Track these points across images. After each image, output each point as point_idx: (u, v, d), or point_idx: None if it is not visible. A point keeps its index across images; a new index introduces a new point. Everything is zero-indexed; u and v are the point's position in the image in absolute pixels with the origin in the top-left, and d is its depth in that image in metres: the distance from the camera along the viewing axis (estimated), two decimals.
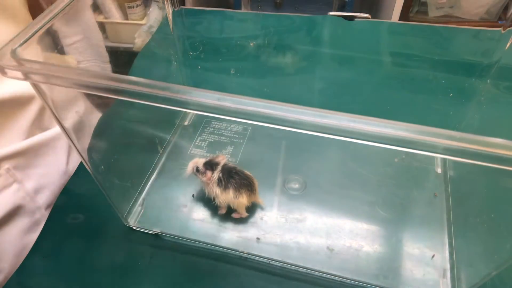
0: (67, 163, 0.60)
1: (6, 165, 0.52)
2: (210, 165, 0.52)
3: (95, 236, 0.53)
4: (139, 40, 0.73)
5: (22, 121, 0.54)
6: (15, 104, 0.52)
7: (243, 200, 0.51)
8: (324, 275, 0.48)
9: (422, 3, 1.44)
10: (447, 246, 0.49)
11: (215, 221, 0.54)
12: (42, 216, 0.55)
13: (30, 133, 0.55)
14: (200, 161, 0.52)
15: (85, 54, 0.65)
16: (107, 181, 0.48)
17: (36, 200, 0.55)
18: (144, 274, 0.49)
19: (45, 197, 0.56)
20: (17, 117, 0.54)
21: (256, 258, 0.50)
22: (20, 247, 0.53)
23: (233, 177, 0.51)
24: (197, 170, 0.52)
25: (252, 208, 0.54)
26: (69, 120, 0.41)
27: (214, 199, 0.52)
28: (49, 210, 0.56)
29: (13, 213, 0.52)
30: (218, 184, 0.51)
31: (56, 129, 0.58)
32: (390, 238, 0.51)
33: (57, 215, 0.55)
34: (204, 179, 0.51)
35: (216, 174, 0.51)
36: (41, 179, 0.56)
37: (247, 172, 0.52)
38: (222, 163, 0.52)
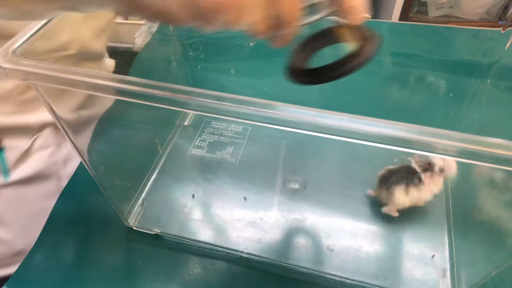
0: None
1: (49, 129, 0.55)
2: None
3: (95, 236, 0.53)
4: (139, 40, 0.73)
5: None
6: None
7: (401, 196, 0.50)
8: (324, 275, 0.48)
9: (422, 3, 1.44)
10: (447, 246, 0.49)
11: (215, 221, 0.54)
12: (63, 185, 0.58)
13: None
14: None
15: None
16: (107, 181, 0.48)
17: (64, 169, 0.58)
18: (144, 274, 0.49)
19: (72, 168, 0.59)
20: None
21: (256, 258, 0.50)
22: (36, 210, 0.55)
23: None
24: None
25: (252, 208, 0.54)
26: (69, 120, 0.41)
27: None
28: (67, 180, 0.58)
29: (41, 174, 0.55)
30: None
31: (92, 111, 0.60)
32: (390, 238, 0.51)
33: (57, 215, 0.55)
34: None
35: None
36: (72, 150, 0.58)
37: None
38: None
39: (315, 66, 0.30)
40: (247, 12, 0.22)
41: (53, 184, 0.58)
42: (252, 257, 0.50)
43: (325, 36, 0.32)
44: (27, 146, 0.53)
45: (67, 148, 0.59)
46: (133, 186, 0.57)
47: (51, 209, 0.54)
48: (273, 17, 0.23)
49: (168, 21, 0.24)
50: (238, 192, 0.56)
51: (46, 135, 0.55)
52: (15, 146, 0.53)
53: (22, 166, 0.54)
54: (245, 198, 0.55)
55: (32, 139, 0.54)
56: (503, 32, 0.58)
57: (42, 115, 0.54)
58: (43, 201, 0.56)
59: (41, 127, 0.55)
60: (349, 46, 0.29)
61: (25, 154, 0.54)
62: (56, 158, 0.57)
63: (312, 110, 0.26)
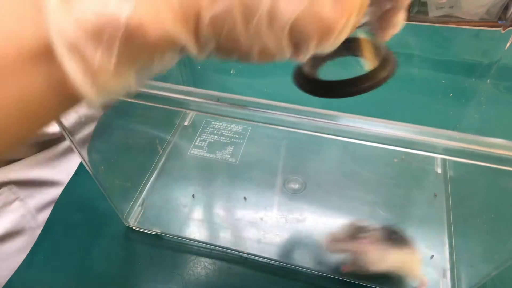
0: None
1: (6, 188, 0.51)
2: (358, 230, 0.44)
3: (95, 236, 0.53)
4: None
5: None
6: None
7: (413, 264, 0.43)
8: (324, 275, 0.48)
9: (422, 3, 1.44)
10: (447, 246, 0.49)
11: (215, 221, 0.54)
12: (37, 234, 0.54)
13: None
14: (337, 232, 0.45)
15: None
16: (107, 181, 0.48)
17: (38, 218, 0.54)
18: (144, 274, 0.49)
19: (47, 215, 0.55)
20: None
21: (256, 258, 0.50)
22: (14, 265, 0.51)
23: (395, 236, 0.44)
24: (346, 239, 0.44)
25: (252, 208, 0.54)
26: (69, 120, 0.41)
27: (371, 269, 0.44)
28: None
29: (14, 231, 0.52)
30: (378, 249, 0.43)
31: (61, 145, 0.58)
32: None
33: (57, 215, 0.55)
34: (367, 242, 0.43)
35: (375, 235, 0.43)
36: (44, 196, 0.55)
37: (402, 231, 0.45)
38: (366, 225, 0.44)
39: (325, 79, 0.29)
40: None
41: (26, 237, 0.53)
42: (252, 257, 0.50)
43: (342, 46, 0.31)
44: None
45: (36, 198, 0.55)
46: (133, 186, 0.57)
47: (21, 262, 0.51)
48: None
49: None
50: (238, 192, 0.56)
51: (7, 191, 0.52)
52: None
53: None
54: (245, 198, 0.55)
55: None
56: (503, 32, 0.58)
57: None
58: (16, 256, 0.52)
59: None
60: (365, 62, 0.28)
61: None
62: (23, 211, 0.53)
63: (312, 110, 0.26)
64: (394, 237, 0.44)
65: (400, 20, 0.24)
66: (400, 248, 0.44)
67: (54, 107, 0.19)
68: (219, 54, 0.21)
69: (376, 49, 0.28)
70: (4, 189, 0.51)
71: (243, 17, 0.19)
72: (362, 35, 0.26)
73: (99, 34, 0.17)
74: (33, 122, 0.19)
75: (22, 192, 0.53)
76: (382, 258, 0.44)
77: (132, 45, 0.18)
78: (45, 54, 0.17)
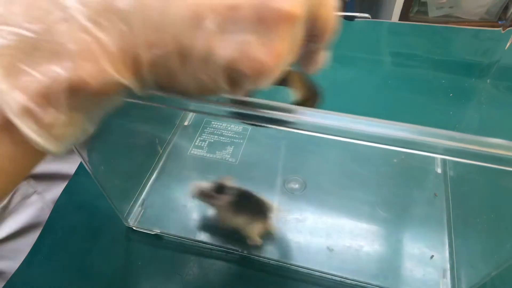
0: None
1: (24, 181, 0.53)
2: (221, 188, 0.48)
3: (95, 236, 0.53)
4: None
5: None
6: None
7: (255, 228, 0.49)
8: (324, 275, 0.48)
9: (422, 3, 1.44)
10: (447, 246, 0.49)
11: (215, 221, 0.54)
12: None
13: None
14: (204, 185, 0.49)
15: None
16: (107, 181, 0.47)
17: None
18: (144, 274, 0.49)
19: None
20: None
21: (256, 258, 0.50)
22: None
23: (248, 202, 0.48)
24: (207, 194, 0.49)
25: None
26: None
27: (224, 225, 0.50)
28: None
29: (33, 224, 0.53)
30: (230, 209, 0.48)
31: None
32: (390, 238, 0.51)
33: (57, 215, 0.55)
34: (220, 203, 0.48)
35: (228, 198, 0.48)
36: (60, 190, 0.57)
37: (263, 198, 0.49)
38: (231, 185, 0.49)
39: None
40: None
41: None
42: (252, 257, 0.50)
43: None
44: (4, 202, 0.52)
45: (53, 191, 0.57)
46: (133, 186, 0.57)
47: None
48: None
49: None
50: None
51: (25, 184, 0.53)
52: None
53: (6, 222, 0.52)
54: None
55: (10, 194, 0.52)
56: (503, 32, 0.58)
57: None
58: None
59: None
60: (293, 93, 0.30)
61: (5, 210, 0.52)
62: (41, 204, 0.55)
63: (312, 110, 0.26)
64: (245, 202, 0.49)
65: (322, 58, 0.27)
66: (246, 213, 0.49)
67: (26, 164, 0.22)
68: (160, 91, 0.23)
69: (304, 81, 0.30)
70: (23, 182, 0.52)
71: (179, 59, 0.20)
72: (292, 68, 0.27)
73: (45, 97, 0.18)
74: (8, 180, 0.22)
75: (40, 186, 0.54)
76: (231, 217, 0.49)
77: (78, 97, 0.19)
78: (5, 124, 0.19)
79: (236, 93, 0.23)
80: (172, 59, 0.20)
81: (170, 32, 0.19)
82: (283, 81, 0.30)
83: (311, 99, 0.29)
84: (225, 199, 0.48)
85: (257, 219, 0.49)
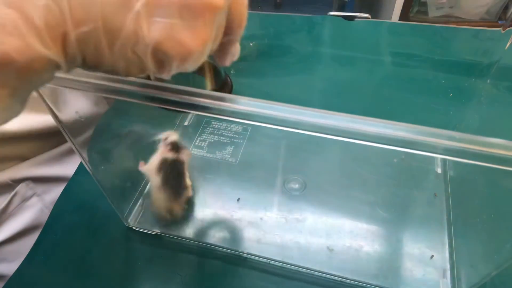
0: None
1: (24, 183, 0.53)
2: (176, 147, 0.50)
3: (95, 236, 0.53)
4: None
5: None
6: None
7: (167, 204, 0.51)
8: (324, 275, 0.48)
9: (422, 3, 1.44)
10: (447, 246, 0.49)
11: (215, 221, 0.54)
12: None
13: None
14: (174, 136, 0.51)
15: None
16: (107, 181, 0.48)
17: None
18: (144, 274, 0.49)
19: None
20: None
21: (256, 258, 0.50)
22: None
23: (177, 174, 0.50)
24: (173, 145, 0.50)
25: (252, 208, 0.54)
26: (69, 120, 0.41)
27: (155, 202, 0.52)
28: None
29: (33, 226, 0.53)
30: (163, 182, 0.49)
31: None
32: (390, 238, 0.51)
33: (57, 215, 0.55)
34: (184, 156, 0.50)
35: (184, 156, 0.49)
36: (59, 192, 0.57)
37: (188, 181, 0.52)
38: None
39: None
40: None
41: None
42: (252, 257, 0.50)
43: None
44: (3, 205, 0.52)
45: (52, 194, 0.57)
46: (133, 186, 0.57)
47: None
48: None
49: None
50: (238, 192, 0.56)
51: (24, 189, 0.54)
52: None
53: (5, 225, 0.53)
54: (238, 200, 0.55)
55: (10, 195, 0.53)
56: (503, 32, 0.58)
57: (14, 172, 0.53)
58: None
59: (16, 182, 0.53)
60: (206, 83, 0.31)
61: (4, 213, 0.53)
62: (40, 206, 0.56)
63: (312, 110, 0.26)
64: (175, 174, 0.50)
65: (236, 50, 0.28)
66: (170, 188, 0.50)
67: None
68: (86, 68, 0.23)
69: (217, 72, 0.31)
70: (22, 185, 0.53)
71: (107, 37, 0.20)
72: (206, 60, 0.28)
73: None
74: None
75: (39, 188, 0.54)
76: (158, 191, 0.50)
77: (5, 73, 0.19)
78: None
79: (164, 76, 0.24)
80: (100, 37, 0.20)
81: (99, 10, 0.19)
82: (199, 70, 0.31)
83: (222, 89, 0.30)
84: (186, 153, 0.50)
85: (175, 196, 0.51)
